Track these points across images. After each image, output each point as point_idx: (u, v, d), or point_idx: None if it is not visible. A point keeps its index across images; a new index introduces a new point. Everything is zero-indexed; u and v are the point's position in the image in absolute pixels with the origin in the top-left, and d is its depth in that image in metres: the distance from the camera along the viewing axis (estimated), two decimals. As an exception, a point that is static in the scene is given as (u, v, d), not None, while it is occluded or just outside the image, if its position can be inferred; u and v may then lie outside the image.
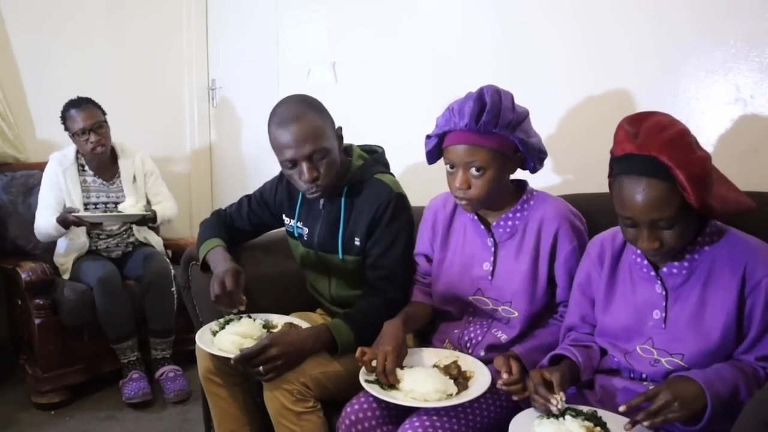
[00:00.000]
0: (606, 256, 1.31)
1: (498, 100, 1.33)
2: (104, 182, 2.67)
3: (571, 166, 1.91)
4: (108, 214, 2.54)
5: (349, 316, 1.54)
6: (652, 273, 1.22)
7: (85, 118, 2.53)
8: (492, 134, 1.34)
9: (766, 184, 1.43)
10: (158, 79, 3.39)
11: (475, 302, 1.51)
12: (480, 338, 1.49)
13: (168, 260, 2.63)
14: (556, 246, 1.42)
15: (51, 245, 2.61)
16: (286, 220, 1.77)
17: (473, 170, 1.36)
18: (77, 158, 2.63)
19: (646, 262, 1.23)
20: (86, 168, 2.65)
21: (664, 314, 1.21)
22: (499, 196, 1.44)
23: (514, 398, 1.26)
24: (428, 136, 1.45)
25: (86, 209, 2.58)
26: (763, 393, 0.93)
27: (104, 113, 2.63)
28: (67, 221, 2.42)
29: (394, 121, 2.42)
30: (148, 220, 2.59)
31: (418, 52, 2.32)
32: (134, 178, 2.72)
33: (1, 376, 2.70)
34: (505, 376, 1.25)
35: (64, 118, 2.58)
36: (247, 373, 1.47)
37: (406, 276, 1.62)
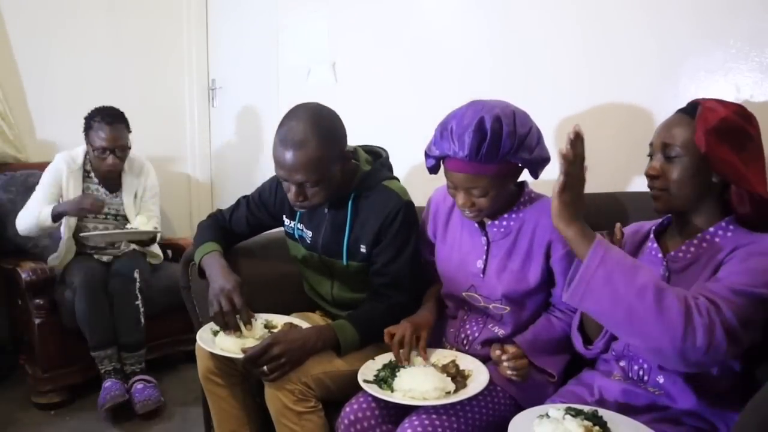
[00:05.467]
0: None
1: (498, 129, 1.30)
2: (107, 192, 2.61)
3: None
4: (118, 231, 2.46)
5: (353, 317, 1.55)
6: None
7: (112, 138, 2.46)
8: (492, 163, 1.34)
9: (766, 184, 1.43)
10: (158, 80, 3.40)
11: (468, 298, 1.52)
12: (477, 334, 1.51)
13: (136, 272, 2.47)
14: (550, 249, 1.43)
15: (53, 244, 2.59)
16: (287, 221, 1.76)
17: (475, 193, 1.38)
18: (85, 163, 2.57)
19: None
20: (92, 175, 2.59)
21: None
22: (501, 203, 1.46)
23: (514, 377, 1.33)
24: (427, 155, 1.46)
25: (85, 217, 2.53)
26: (763, 393, 0.93)
27: (130, 131, 2.56)
28: (59, 215, 2.38)
29: (394, 121, 2.42)
30: (151, 240, 2.59)
31: (419, 52, 2.32)
32: (135, 194, 2.67)
33: (1, 376, 2.70)
34: (498, 352, 1.34)
35: (89, 125, 2.49)
36: (253, 374, 1.46)
37: (412, 283, 1.62)
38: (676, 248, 1.23)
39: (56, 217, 2.39)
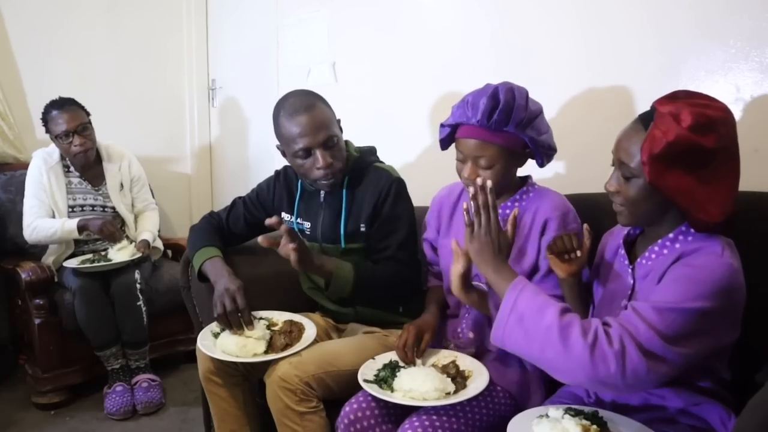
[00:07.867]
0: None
1: (511, 99, 1.37)
2: (91, 186, 2.60)
3: (571, 164, 1.91)
4: (99, 264, 2.41)
5: (357, 264, 1.58)
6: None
7: (69, 119, 2.44)
8: (503, 132, 1.38)
9: (766, 184, 1.43)
10: (158, 79, 3.40)
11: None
12: (470, 322, 1.54)
13: (137, 272, 2.46)
14: (545, 227, 1.44)
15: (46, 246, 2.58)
16: (285, 216, 1.77)
17: (482, 163, 1.40)
18: (62, 158, 2.56)
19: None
20: (71, 170, 2.58)
21: None
22: (504, 187, 1.48)
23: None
24: (442, 125, 1.49)
25: (72, 212, 2.53)
26: (762, 394, 0.93)
27: (88, 114, 2.54)
28: (83, 228, 2.42)
29: (394, 121, 2.42)
30: (142, 257, 2.50)
31: (418, 51, 2.32)
32: (121, 185, 2.65)
33: (1, 376, 2.71)
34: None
35: (46, 120, 2.49)
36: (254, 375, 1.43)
37: (411, 255, 1.65)
38: (642, 255, 1.22)
39: (81, 229, 2.44)
